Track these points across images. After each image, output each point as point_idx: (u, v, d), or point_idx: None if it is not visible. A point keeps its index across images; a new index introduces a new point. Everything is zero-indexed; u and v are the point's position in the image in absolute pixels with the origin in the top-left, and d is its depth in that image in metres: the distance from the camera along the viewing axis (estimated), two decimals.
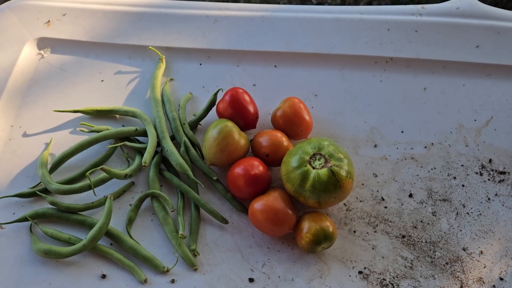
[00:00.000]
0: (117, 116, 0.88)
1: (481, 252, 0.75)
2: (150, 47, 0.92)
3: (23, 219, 0.75)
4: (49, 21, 0.96)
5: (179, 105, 0.86)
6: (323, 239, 0.71)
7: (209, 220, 0.78)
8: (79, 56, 0.93)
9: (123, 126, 0.86)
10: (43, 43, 0.94)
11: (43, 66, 0.92)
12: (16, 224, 0.76)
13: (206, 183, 0.81)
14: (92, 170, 0.73)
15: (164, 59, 0.92)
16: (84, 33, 0.94)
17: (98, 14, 0.96)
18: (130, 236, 0.75)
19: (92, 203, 0.76)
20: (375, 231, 0.77)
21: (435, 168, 0.83)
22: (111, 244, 0.76)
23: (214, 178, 0.79)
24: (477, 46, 0.92)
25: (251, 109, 0.82)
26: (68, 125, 0.86)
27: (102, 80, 0.91)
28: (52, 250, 0.71)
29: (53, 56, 0.93)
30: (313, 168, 0.71)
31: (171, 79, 0.92)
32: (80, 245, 0.71)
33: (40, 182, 0.78)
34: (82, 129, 0.83)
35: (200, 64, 0.93)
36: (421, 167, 0.83)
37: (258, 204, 0.73)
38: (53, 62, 0.93)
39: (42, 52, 0.94)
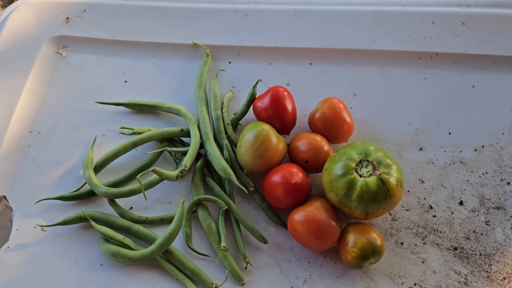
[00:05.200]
0: (158, 112, 0.84)
1: None
2: (194, 43, 0.87)
3: (72, 221, 0.73)
4: (68, 18, 0.91)
5: (222, 104, 0.81)
6: (371, 253, 0.67)
7: (243, 232, 0.74)
8: (100, 55, 0.89)
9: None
10: (61, 41, 0.90)
11: (62, 66, 0.88)
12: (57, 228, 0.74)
13: (242, 191, 0.77)
14: (143, 172, 0.68)
15: (209, 54, 0.86)
16: (105, 30, 0.90)
17: (119, 10, 0.92)
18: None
19: (147, 218, 0.73)
20: (424, 243, 0.72)
21: (486, 172, 0.78)
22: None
23: (251, 189, 0.75)
24: None
25: (291, 112, 0.77)
26: (94, 128, 0.82)
27: (126, 81, 0.87)
28: (120, 252, 0.68)
29: (73, 56, 0.89)
30: (360, 176, 0.67)
31: (222, 70, 0.87)
32: (149, 250, 0.68)
33: (84, 185, 0.75)
34: (123, 132, 0.80)
35: (230, 63, 0.88)
36: (472, 171, 0.78)
37: (298, 216, 0.69)
38: (72, 62, 0.88)
39: (60, 51, 0.89)
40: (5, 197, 0.75)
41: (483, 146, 0.80)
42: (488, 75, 0.86)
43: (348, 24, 0.90)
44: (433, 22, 0.89)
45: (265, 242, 0.72)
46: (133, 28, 0.90)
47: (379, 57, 0.87)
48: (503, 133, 0.81)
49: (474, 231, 0.73)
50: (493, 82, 0.85)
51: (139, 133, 0.78)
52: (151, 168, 0.68)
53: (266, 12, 0.91)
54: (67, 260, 0.71)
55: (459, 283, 0.69)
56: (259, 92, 0.80)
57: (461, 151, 0.80)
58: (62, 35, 0.90)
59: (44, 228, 0.72)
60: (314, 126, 0.78)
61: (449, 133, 0.81)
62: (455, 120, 0.82)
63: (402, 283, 0.69)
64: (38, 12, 0.91)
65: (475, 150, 0.80)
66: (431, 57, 0.87)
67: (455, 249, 0.72)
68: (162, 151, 0.78)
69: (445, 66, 0.87)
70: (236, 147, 0.77)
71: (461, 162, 0.79)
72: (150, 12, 0.92)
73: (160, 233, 0.70)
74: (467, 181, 0.77)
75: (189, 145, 0.77)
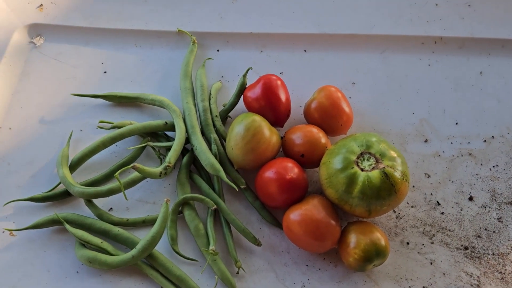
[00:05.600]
0: (141, 104, 0.81)
1: None
2: (179, 30, 0.85)
3: (44, 224, 0.69)
4: (41, 5, 0.88)
5: (210, 94, 0.78)
6: (375, 255, 0.64)
7: (234, 233, 0.70)
8: (77, 44, 0.86)
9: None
10: (35, 30, 0.87)
11: (35, 57, 0.85)
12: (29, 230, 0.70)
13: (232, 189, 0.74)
14: (122, 169, 0.64)
15: (196, 41, 0.84)
16: (83, 17, 0.87)
17: None
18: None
19: (127, 220, 0.69)
20: (432, 242, 0.70)
21: (497, 165, 0.76)
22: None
23: (243, 186, 0.71)
24: None
25: (285, 103, 0.74)
26: (70, 123, 0.78)
27: (105, 72, 0.84)
28: (97, 258, 0.65)
29: (47, 45, 0.86)
30: (362, 170, 0.63)
31: (210, 59, 0.84)
32: (129, 256, 0.64)
33: (58, 184, 0.72)
34: (101, 126, 0.77)
35: (218, 51, 0.86)
36: (481, 164, 0.76)
37: (294, 215, 0.66)
38: (47, 52, 0.85)
39: (34, 40, 0.86)
40: None
41: (492, 136, 0.78)
42: (496, 61, 0.84)
43: (345, 7, 0.88)
44: (436, 4, 0.88)
45: (259, 244, 0.68)
46: (113, 14, 0.87)
47: (379, 43, 0.85)
48: None
49: (485, 229, 0.71)
50: (502, 67, 0.83)
51: (119, 127, 0.75)
52: (132, 165, 0.64)
53: None
54: (39, 268, 0.67)
55: (471, 285, 0.66)
56: (250, 81, 0.78)
57: (469, 143, 0.77)
58: (36, 23, 0.87)
59: (14, 232, 0.69)
60: (310, 117, 0.75)
61: (456, 124, 0.79)
62: (462, 109, 0.80)
63: (409, 286, 0.66)
64: None
65: (485, 141, 0.78)
66: (435, 42, 0.85)
67: (466, 248, 0.69)
68: (144, 147, 0.75)
69: (450, 52, 0.85)
70: (225, 141, 0.74)
71: (470, 154, 0.76)
72: None
73: (142, 236, 0.67)
74: (477, 174, 0.75)
75: (173, 139, 0.74)
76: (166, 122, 0.75)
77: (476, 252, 0.69)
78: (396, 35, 0.85)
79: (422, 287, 0.66)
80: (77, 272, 0.66)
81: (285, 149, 0.72)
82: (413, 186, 0.73)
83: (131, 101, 0.79)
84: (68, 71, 0.83)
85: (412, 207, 0.72)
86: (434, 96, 0.81)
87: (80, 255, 0.65)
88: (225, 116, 0.77)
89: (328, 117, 0.73)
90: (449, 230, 0.70)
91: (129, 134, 0.74)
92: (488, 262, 0.68)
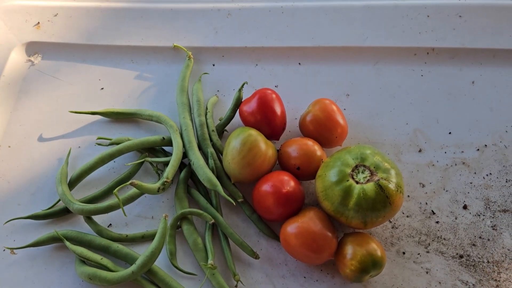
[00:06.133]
0: (139, 120, 0.81)
1: None
2: (175, 45, 0.85)
3: (44, 242, 0.69)
4: (38, 23, 0.89)
5: (206, 109, 0.78)
6: (371, 266, 0.63)
7: (232, 247, 0.70)
8: (74, 61, 0.86)
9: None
10: (32, 48, 0.88)
11: (33, 75, 0.85)
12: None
13: (230, 203, 0.73)
14: (121, 186, 0.65)
15: (192, 56, 0.84)
16: (79, 35, 0.87)
17: (94, 13, 0.89)
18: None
19: (127, 236, 0.70)
20: (428, 252, 0.69)
21: (490, 173, 0.75)
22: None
23: (240, 200, 0.71)
24: None
25: (280, 116, 0.74)
26: (68, 140, 0.78)
27: (102, 88, 0.84)
28: (97, 275, 0.64)
29: (45, 63, 0.86)
30: (357, 182, 0.63)
31: (206, 73, 0.84)
32: (129, 271, 0.64)
33: (58, 201, 0.72)
34: (99, 142, 0.77)
35: (213, 65, 0.86)
36: (475, 173, 0.76)
37: (291, 227, 0.65)
38: (44, 70, 0.86)
39: (32, 58, 0.87)
40: None
41: (485, 145, 0.78)
42: (488, 70, 0.84)
43: (339, 20, 0.88)
44: (428, 16, 0.87)
45: (256, 257, 0.68)
46: (109, 31, 0.88)
47: (372, 55, 0.85)
48: (506, 131, 0.78)
49: (480, 237, 0.70)
50: (493, 77, 0.83)
51: (117, 144, 0.75)
52: (130, 181, 0.64)
53: (251, 10, 0.89)
54: (39, 285, 0.67)
55: None
56: (245, 95, 0.78)
57: (462, 152, 0.77)
58: (33, 41, 0.87)
59: (14, 250, 0.69)
60: (305, 130, 0.75)
61: (449, 133, 0.79)
62: (455, 118, 0.80)
63: None
64: (6, 17, 0.89)
65: (478, 150, 0.77)
66: (427, 53, 0.85)
67: (461, 257, 0.69)
68: (142, 162, 0.75)
69: (443, 62, 0.84)
70: (222, 155, 0.74)
71: (463, 163, 0.76)
72: (127, 14, 0.89)
73: (141, 252, 0.67)
74: (471, 183, 0.75)
75: (171, 154, 0.74)
76: (163, 137, 0.75)
77: (471, 260, 0.69)
78: (389, 46, 0.85)
79: None
80: None
81: (281, 162, 0.72)
82: (408, 196, 0.73)
83: (128, 117, 0.79)
84: (66, 88, 0.83)
85: (407, 216, 0.72)
86: (427, 106, 0.81)
87: (80, 272, 0.65)
88: (221, 130, 0.77)
89: (323, 130, 0.73)
90: (444, 239, 0.70)
91: (127, 150, 0.74)
92: (483, 270, 0.68)
